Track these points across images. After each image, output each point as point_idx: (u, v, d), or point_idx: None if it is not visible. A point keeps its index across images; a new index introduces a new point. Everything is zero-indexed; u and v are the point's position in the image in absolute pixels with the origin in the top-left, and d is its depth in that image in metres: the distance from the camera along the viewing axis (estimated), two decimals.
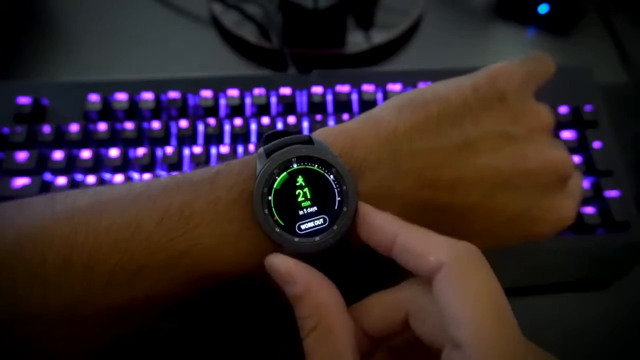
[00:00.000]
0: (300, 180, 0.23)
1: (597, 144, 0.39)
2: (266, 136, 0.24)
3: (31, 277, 0.22)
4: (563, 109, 0.41)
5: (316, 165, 0.23)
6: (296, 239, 0.22)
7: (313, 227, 0.23)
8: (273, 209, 0.23)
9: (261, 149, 0.24)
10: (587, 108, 0.40)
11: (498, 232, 0.26)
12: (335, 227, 0.23)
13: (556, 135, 0.40)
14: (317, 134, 0.25)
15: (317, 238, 0.22)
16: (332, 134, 0.25)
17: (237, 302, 0.32)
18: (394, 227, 0.21)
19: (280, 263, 0.21)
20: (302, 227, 0.23)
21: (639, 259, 0.38)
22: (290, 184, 0.23)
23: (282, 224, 0.23)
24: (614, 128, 0.41)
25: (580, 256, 0.37)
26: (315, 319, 0.21)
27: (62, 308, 0.22)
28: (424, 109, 0.25)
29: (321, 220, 0.23)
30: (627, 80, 0.48)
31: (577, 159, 0.39)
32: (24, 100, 0.39)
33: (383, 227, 0.22)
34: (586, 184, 0.39)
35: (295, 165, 0.23)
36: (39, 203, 0.24)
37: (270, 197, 0.23)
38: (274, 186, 0.23)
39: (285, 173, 0.23)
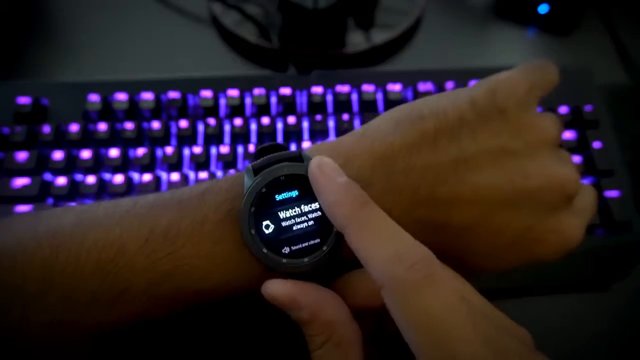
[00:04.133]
0: (289, 198, 0.23)
1: (597, 144, 0.39)
2: (256, 151, 0.24)
3: (11, 297, 0.21)
4: (563, 109, 0.41)
5: (305, 183, 0.22)
6: (284, 260, 0.22)
7: (302, 247, 0.22)
8: (261, 228, 0.22)
9: (249, 166, 0.23)
10: (587, 108, 0.40)
11: (499, 253, 0.24)
12: (325, 247, 0.22)
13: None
14: (310, 151, 0.24)
15: (306, 259, 0.22)
16: (325, 150, 0.24)
17: (237, 305, 0.32)
18: (342, 219, 0.21)
19: (281, 290, 0.21)
20: (291, 247, 0.22)
21: (639, 259, 0.38)
22: (278, 202, 0.22)
23: (270, 244, 0.22)
24: (614, 128, 0.40)
25: (580, 256, 0.37)
26: (325, 337, 0.21)
27: (43, 328, 0.21)
28: (420, 125, 0.24)
29: (311, 240, 0.22)
30: (627, 80, 0.48)
31: (577, 159, 0.39)
32: (24, 100, 0.39)
33: (333, 212, 0.21)
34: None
35: (284, 184, 0.23)
36: (23, 221, 0.23)
37: (257, 217, 0.22)
38: (262, 205, 0.22)
39: (273, 191, 0.22)
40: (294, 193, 0.23)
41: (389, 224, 0.20)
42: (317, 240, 0.22)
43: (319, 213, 0.22)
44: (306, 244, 0.22)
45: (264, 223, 0.22)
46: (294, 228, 0.22)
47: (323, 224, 0.22)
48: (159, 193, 0.24)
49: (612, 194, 0.38)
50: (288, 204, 0.22)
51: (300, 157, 0.23)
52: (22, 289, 0.21)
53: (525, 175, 0.24)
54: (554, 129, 0.25)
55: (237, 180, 0.24)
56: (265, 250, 0.22)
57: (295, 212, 0.22)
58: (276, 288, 0.21)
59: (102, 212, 0.23)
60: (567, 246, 0.25)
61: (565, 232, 0.25)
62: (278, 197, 0.22)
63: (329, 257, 0.22)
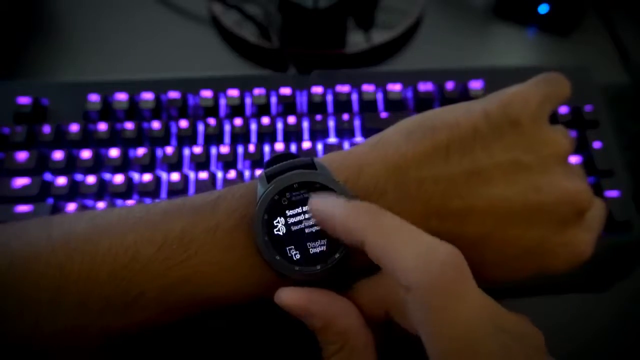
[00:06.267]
0: (302, 206, 0.23)
1: (597, 144, 0.39)
2: (270, 159, 0.24)
3: (24, 305, 0.21)
4: (563, 109, 0.41)
5: (318, 191, 0.22)
6: (297, 268, 0.22)
7: (315, 254, 0.22)
8: (273, 235, 0.22)
9: (262, 173, 0.23)
10: (587, 108, 0.40)
11: (510, 265, 0.25)
12: (337, 254, 0.22)
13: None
14: (323, 159, 0.24)
15: (318, 266, 0.22)
16: (338, 159, 0.24)
17: (251, 311, 0.32)
18: (361, 231, 0.20)
19: (293, 299, 0.21)
20: (304, 254, 0.22)
21: (639, 259, 0.38)
22: (291, 209, 0.22)
23: (283, 251, 0.22)
24: (614, 128, 0.40)
25: None
26: (338, 345, 0.21)
27: (56, 335, 0.21)
28: (433, 136, 0.24)
29: (323, 247, 0.22)
30: (627, 80, 0.48)
31: (577, 159, 0.39)
32: (24, 100, 0.39)
33: (349, 227, 0.20)
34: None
35: (297, 191, 0.23)
36: (36, 227, 0.23)
37: (270, 223, 0.22)
38: (275, 212, 0.22)
39: (286, 198, 0.23)
40: (307, 200, 0.23)
41: (409, 226, 0.20)
42: (329, 248, 0.22)
43: None
44: (318, 251, 0.22)
45: (277, 230, 0.22)
46: (307, 236, 0.22)
47: None
48: (171, 200, 0.24)
49: (612, 194, 0.38)
50: (301, 211, 0.22)
51: (312, 165, 0.23)
52: (36, 296, 0.21)
53: (537, 189, 0.24)
54: (566, 143, 0.25)
55: (250, 188, 0.24)
56: (277, 257, 0.22)
57: (307, 219, 0.22)
58: (289, 296, 0.21)
59: (116, 218, 0.23)
60: (577, 260, 0.25)
61: (576, 247, 0.25)
62: (291, 205, 0.22)
63: (341, 264, 0.22)
